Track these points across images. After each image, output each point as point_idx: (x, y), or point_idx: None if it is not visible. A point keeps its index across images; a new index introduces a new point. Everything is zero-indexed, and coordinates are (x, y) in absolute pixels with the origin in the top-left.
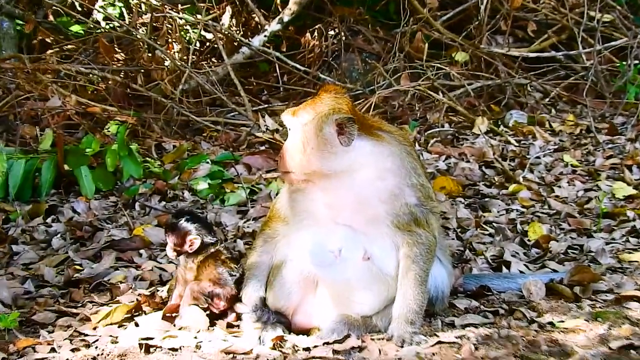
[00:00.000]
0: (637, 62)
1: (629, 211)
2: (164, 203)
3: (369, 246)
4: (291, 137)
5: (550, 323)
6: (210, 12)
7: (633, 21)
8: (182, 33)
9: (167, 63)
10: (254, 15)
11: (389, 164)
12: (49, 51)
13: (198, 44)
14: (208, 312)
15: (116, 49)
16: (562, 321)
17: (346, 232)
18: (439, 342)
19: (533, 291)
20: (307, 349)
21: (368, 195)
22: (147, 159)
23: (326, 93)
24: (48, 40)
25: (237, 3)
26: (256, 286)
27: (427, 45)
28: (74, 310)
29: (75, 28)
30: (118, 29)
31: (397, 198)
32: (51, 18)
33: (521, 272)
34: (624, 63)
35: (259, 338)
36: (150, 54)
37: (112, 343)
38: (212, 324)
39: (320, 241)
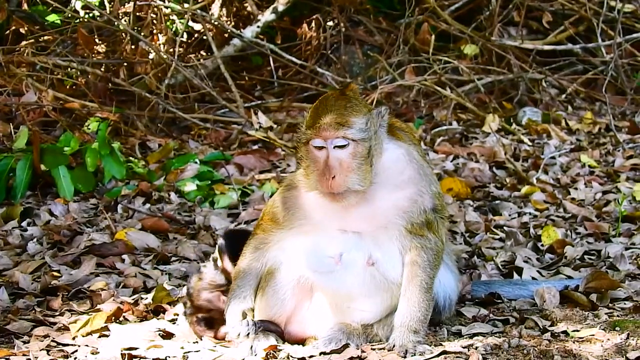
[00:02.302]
0: None
1: None
2: (148, 206)
3: (374, 250)
4: (343, 152)
5: (564, 332)
6: (199, 0)
7: None
8: (168, 23)
9: (151, 56)
10: (246, 4)
11: (410, 170)
12: (24, 42)
13: (185, 35)
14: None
15: (96, 40)
16: (577, 330)
17: (349, 236)
18: (445, 352)
19: (546, 299)
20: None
21: (387, 206)
22: (131, 158)
23: (352, 92)
24: (22, 30)
25: None
26: (240, 297)
27: (433, 37)
28: (52, 319)
29: (52, 17)
30: (98, 18)
31: (416, 204)
32: (25, 6)
33: (534, 278)
34: None
35: (251, 348)
36: (133, 46)
37: (92, 354)
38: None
39: (318, 246)
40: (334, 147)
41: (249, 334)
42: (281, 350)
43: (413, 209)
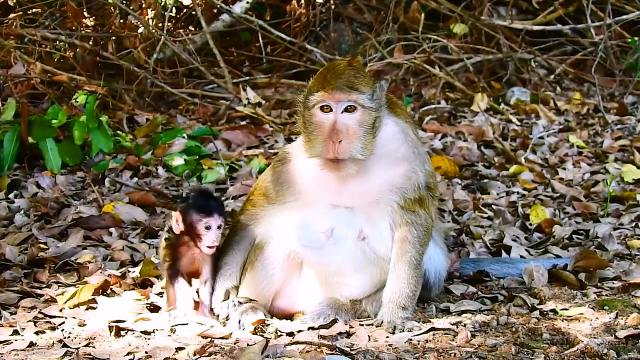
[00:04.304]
0: None
1: (639, 195)
2: (135, 179)
3: (365, 226)
4: (350, 117)
5: (553, 310)
6: None
7: None
8: None
9: (140, 30)
10: None
11: (405, 148)
12: (12, 14)
13: (174, 10)
14: None
15: (85, 13)
16: (566, 309)
17: (341, 211)
18: (433, 329)
19: (535, 277)
20: (291, 334)
21: (381, 181)
22: (118, 132)
23: (358, 64)
24: (11, 2)
25: None
26: (225, 275)
27: (423, 15)
28: (39, 291)
29: None
30: None
31: (410, 180)
32: None
33: (522, 257)
34: (636, 39)
35: (239, 322)
36: (122, 20)
37: (80, 326)
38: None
39: (310, 221)
40: (342, 112)
41: (228, 315)
42: (269, 325)
43: (407, 185)
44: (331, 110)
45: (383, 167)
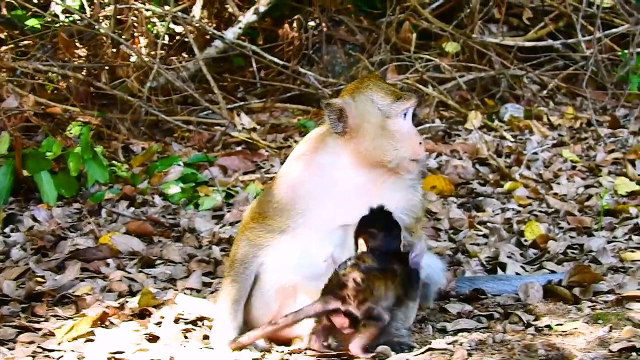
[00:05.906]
0: (639, 50)
1: (632, 208)
2: (132, 209)
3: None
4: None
5: (548, 326)
6: (180, 2)
7: (635, 6)
8: (149, 26)
9: (133, 59)
10: (227, 6)
11: None
12: (4, 47)
13: (166, 38)
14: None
15: (77, 44)
16: (561, 324)
17: (339, 231)
18: (430, 349)
19: (530, 293)
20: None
21: (394, 197)
22: (114, 162)
23: None
24: (2, 35)
25: None
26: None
27: (415, 35)
28: (37, 326)
29: (32, 22)
30: (79, 22)
31: (416, 197)
32: (4, 12)
33: (517, 274)
34: (626, 51)
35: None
36: (114, 49)
37: (79, 359)
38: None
39: (309, 250)
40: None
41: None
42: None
43: (414, 202)
44: (406, 115)
45: (396, 183)
